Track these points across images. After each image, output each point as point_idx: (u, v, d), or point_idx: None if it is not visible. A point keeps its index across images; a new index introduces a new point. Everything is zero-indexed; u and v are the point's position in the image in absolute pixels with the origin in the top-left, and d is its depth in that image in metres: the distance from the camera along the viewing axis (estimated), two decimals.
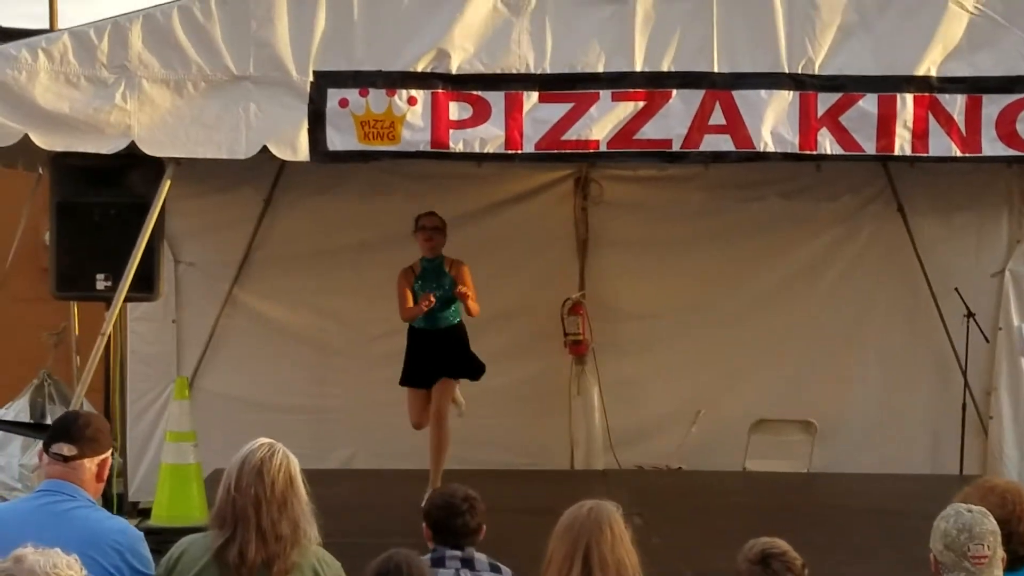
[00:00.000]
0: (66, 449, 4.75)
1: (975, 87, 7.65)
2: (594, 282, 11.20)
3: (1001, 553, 4.51)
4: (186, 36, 7.49)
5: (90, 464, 4.78)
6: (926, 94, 7.60)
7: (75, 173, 7.96)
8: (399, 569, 4.28)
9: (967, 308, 10.59)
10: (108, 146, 7.51)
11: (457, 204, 10.09)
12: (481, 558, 5.31)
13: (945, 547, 4.51)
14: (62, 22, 13.06)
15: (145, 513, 8.87)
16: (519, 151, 7.69)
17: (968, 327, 10.59)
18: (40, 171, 8.84)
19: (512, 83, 7.63)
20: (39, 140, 7.52)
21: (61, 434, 4.81)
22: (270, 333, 10.95)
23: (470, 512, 5.34)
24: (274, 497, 4.56)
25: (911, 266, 11.00)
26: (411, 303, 9.07)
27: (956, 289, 10.68)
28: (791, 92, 7.59)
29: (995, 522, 4.52)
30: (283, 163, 8.71)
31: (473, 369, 9.31)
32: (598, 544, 4.42)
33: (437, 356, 9.17)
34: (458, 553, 5.28)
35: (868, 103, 7.59)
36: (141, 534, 4.82)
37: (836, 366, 11.03)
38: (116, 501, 8.82)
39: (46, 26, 12.89)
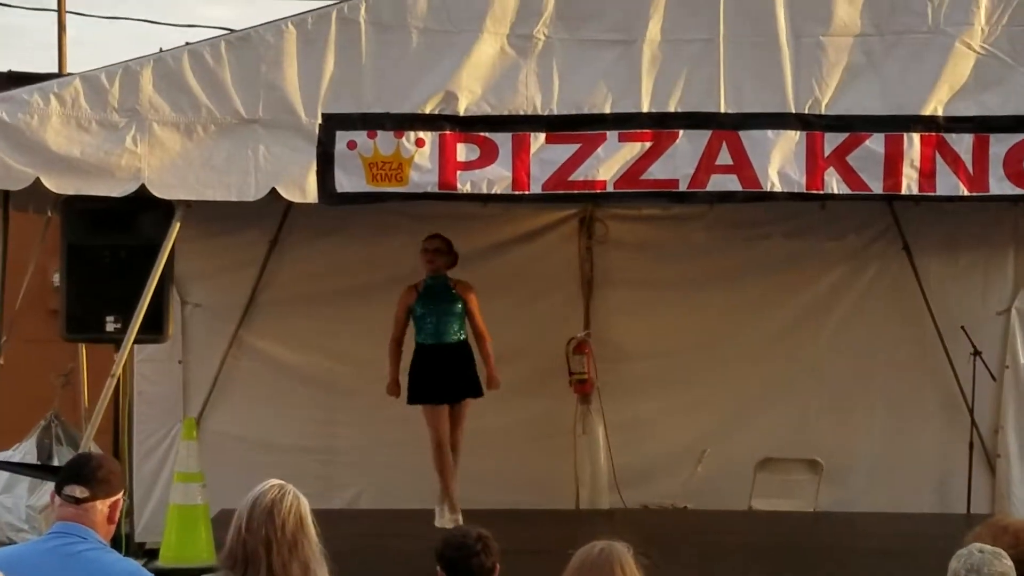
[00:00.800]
0: (78, 491, 4.75)
1: (982, 126, 7.68)
2: (599, 321, 11.19)
3: None
4: (196, 80, 7.54)
5: (102, 506, 4.78)
6: (933, 133, 7.62)
7: (85, 216, 8.01)
8: None
9: (973, 346, 10.58)
10: (118, 189, 7.55)
11: (463, 244, 10.10)
12: None
13: None
14: (70, 66, 13.16)
15: (152, 554, 8.87)
16: (526, 192, 7.71)
17: (975, 365, 10.58)
18: (49, 213, 8.88)
19: (519, 124, 7.67)
20: (50, 184, 7.56)
21: (73, 476, 4.81)
22: (276, 374, 10.95)
23: (485, 552, 5.33)
24: (284, 538, 4.56)
25: (917, 304, 10.99)
26: (399, 337, 9.46)
27: (963, 327, 10.67)
28: (798, 132, 7.62)
29: (1009, 563, 4.47)
30: (289, 204, 8.74)
31: (479, 386, 9.49)
32: None
33: (447, 372, 9.35)
34: None
35: (875, 143, 7.62)
36: None
37: (842, 404, 11.00)
38: (123, 542, 8.82)
39: (55, 70, 12.99)
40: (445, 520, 9.25)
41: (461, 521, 9.09)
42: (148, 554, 8.99)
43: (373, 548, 8.84)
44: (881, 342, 11.09)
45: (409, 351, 9.61)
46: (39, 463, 10.79)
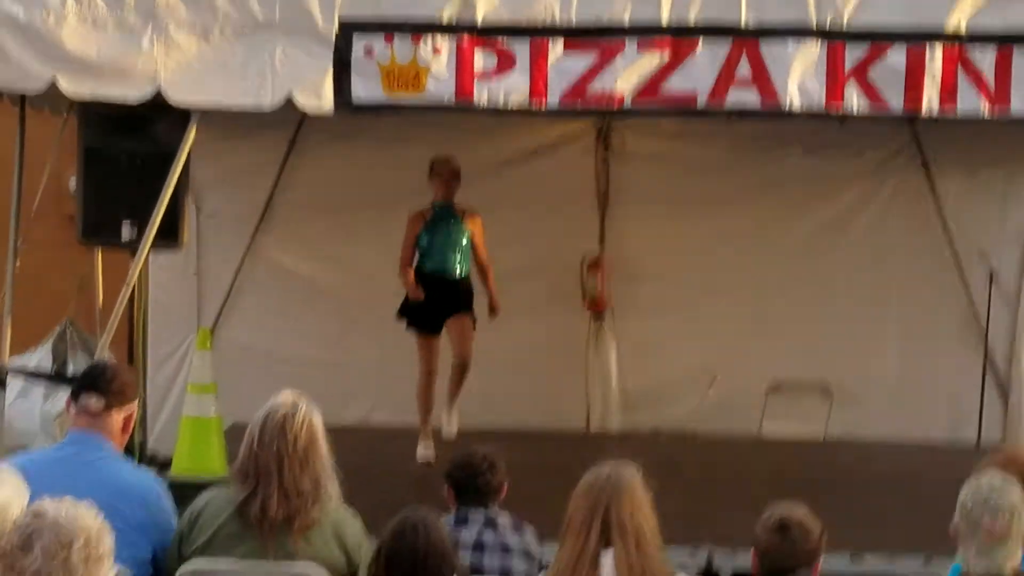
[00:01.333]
0: (93, 401, 4.81)
1: (1006, 40, 7.55)
2: (614, 238, 11.13)
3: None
4: None
5: (116, 416, 4.85)
6: (956, 46, 7.50)
7: (102, 119, 7.92)
8: (415, 529, 4.30)
9: (991, 268, 10.53)
10: (135, 93, 7.47)
11: (478, 155, 10.06)
12: (504, 519, 5.34)
13: (961, 516, 4.51)
14: None
15: (164, 464, 8.91)
16: (543, 101, 7.64)
17: (991, 288, 10.52)
18: (65, 114, 8.83)
19: (537, 33, 7.58)
20: (67, 85, 7.48)
21: (89, 385, 4.87)
22: (291, 285, 10.94)
23: (491, 470, 5.39)
24: (296, 454, 4.61)
25: (934, 224, 10.91)
26: (410, 259, 9.16)
27: (980, 249, 10.62)
28: (818, 42, 7.51)
29: (1019, 495, 4.46)
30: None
31: (469, 306, 9.22)
32: (617, 508, 4.44)
33: (445, 301, 9.11)
34: (481, 514, 5.31)
35: (896, 55, 7.49)
36: (164, 486, 4.87)
37: (856, 328, 10.90)
38: (136, 451, 8.87)
39: None
40: (429, 452, 9.11)
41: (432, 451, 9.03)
42: (160, 464, 9.03)
43: (384, 464, 8.86)
44: (897, 264, 10.99)
45: None
46: (54, 370, 10.84)
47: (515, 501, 5.50)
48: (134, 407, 4.98)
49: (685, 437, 10.81)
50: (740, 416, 10.81)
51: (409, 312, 9.19)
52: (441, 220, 9.16)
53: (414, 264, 9.22)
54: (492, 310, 9.36)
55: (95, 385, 4.88)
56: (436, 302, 9.09)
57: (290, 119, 10.21)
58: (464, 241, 9.19)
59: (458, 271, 9.19)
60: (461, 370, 9.14)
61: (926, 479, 8.76)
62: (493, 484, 5.38)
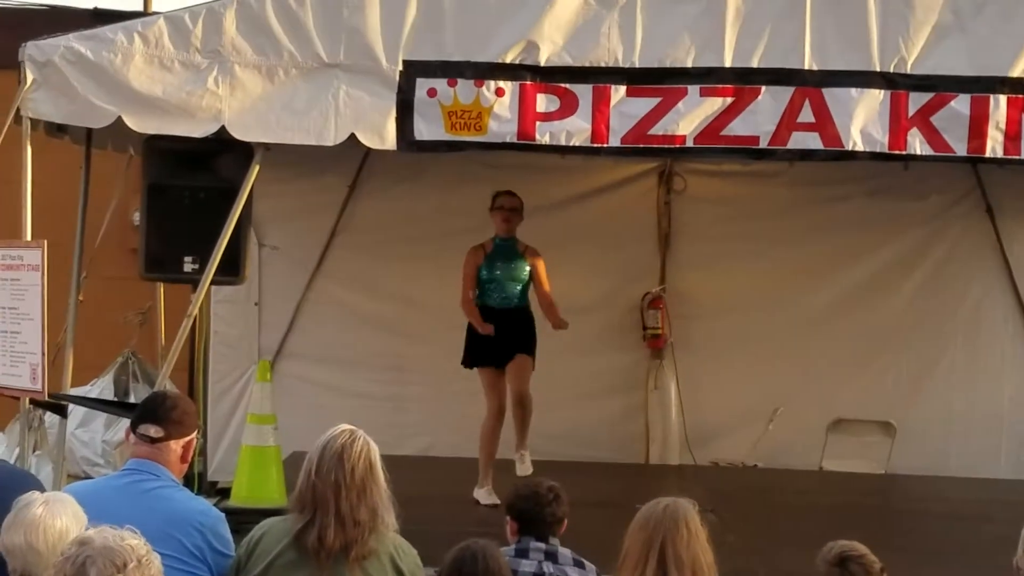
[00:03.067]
0: (153, 430, 4.85)
1: None
2: (675, 276, 11.18)
3: None
4: (279, 23, 7.53)
5: (175, 446, 4.87)
6: (1020, 96, 7.47)
7: (166, 156, 8.04)
8: (475, 558, 4.31)
9: None
10: (199, 130, 7.57)
11: (540, 195, 10.09)
12: (565, 552, 5.32)
13: (1023, 553, 4.47)
14: (156, 4, 13.27)
15: (224, 493, 8.96)
16: (605, 144, 7.66)
17: None
18: (132, 152, 8.95)
19: (600, 76, 7.59)
20: (132, 123, 7.59)
21: (148, 415, 4.90)
22: (351, 319, 11.02)
23: (555, 502, 5.37)
24: (354, 483, 4.61)
25: (998, 268, 10.88)
26: (471, 294, 9.06)
27: None
28: (882, 91, 7.49)
29: None
30: (368, 150, 8.75)
31: (533, 347, 9.09)
32: (673, 541, 4.43)
33: (508, 335, 8.98)
34: (542, 545, 5.30)
35: (960, 104, 7.47)
36: (223, 515, 4.90)
37: (919, 367, 10.94)
38: (196, 480, 8.94)
39: (140, 8, 13.11)
40: (493, 498, 8.77)
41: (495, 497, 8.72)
42: (220, 493, 9.09)
43: (443, 495, 8.87)
44: (960, 305, 11.01)
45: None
46: (115, 399, 10.95)
47: (573, 533, 5.48)
48: (193, 437, 5.01)
49: (744, 470, 10.80)
50: (800, 454, 10.81)
51: (474, 351, 9.09)
52: (501, 254, 9.10)
53: (474, 299, 9.15)
54: (559, 325, 9.10)
55: (154, 415, 4.92)
56: (500, 334, 8.96)
57: (351, 159, 10.34)
58: (525, 276, 9.09)
59: (517, 302, 9.07)
60: (522, 409, 9.00)
61: (988, 515, 8.68)
62: (557, 515, 5.36)
